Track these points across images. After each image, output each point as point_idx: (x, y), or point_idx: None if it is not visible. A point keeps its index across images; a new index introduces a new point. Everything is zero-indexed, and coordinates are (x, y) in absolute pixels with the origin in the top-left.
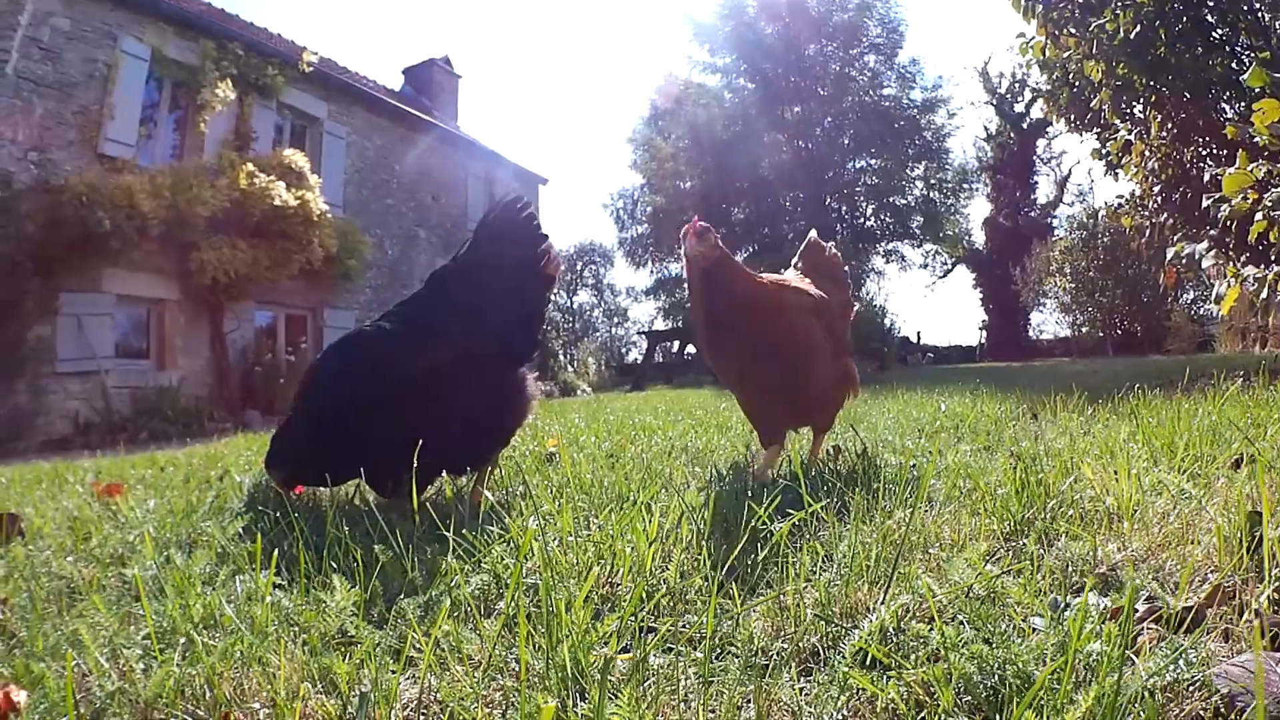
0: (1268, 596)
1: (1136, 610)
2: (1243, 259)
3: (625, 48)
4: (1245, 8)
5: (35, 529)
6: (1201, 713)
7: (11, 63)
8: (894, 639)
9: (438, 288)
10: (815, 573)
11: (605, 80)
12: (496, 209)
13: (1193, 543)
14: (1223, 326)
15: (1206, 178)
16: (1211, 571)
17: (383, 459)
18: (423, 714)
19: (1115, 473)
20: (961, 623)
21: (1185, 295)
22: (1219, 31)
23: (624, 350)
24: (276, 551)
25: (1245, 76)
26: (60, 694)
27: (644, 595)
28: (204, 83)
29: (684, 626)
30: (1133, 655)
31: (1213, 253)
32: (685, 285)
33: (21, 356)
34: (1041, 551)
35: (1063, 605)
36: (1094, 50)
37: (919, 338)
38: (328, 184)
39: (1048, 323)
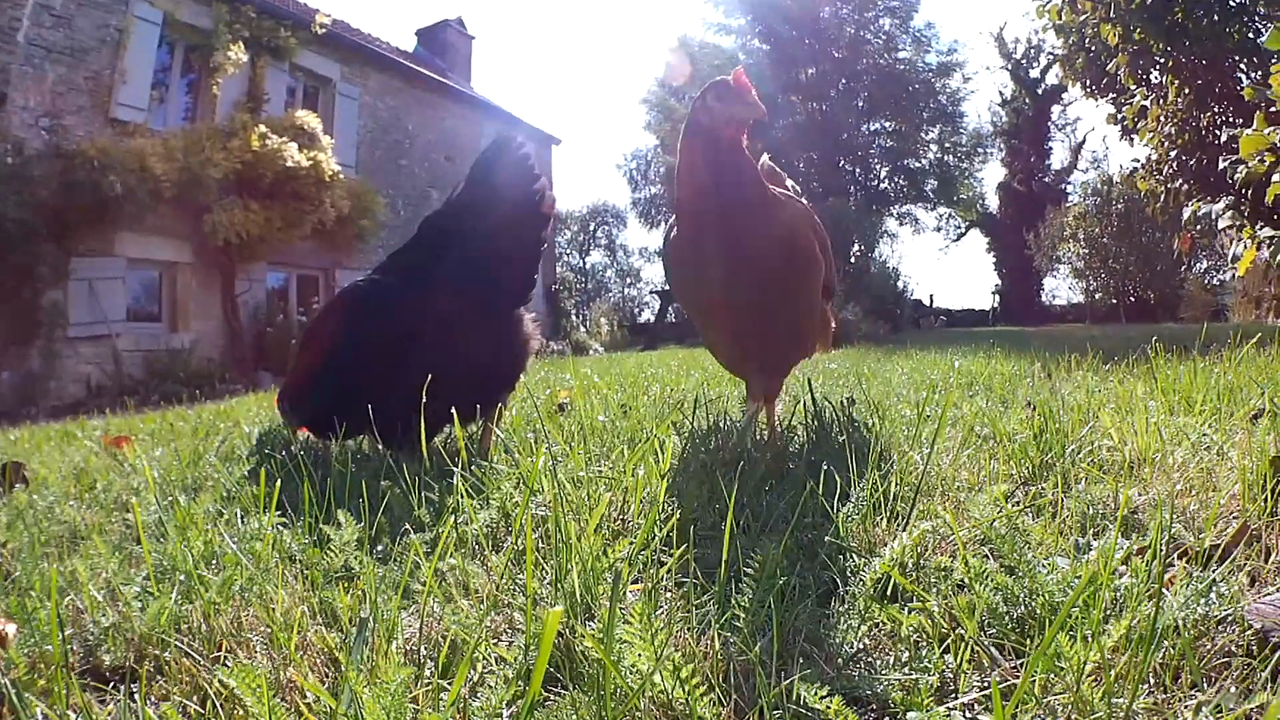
0: None
1: (1161, 549)
2: (1259, 223)
3: (640, 8)
4: None
5: (40, 478)
6: (1234, 648)
7: (23, 30)
8: (915, 572)
9: (434, 233)
10: (832, 511)
11: (620, 41)
12: (490, 149)
13: (1214, 489)
14: (1236, 295)
15: (1224, 137)
16: (1234, 516)
17: (392, 409)
18: (425, 644)
19: (1133, 424)
20: (986, 556)
21: (1199, 264)
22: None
23: (636, 311)
24: (282, 493)
25: (1264, 39)
26: (49, 627)
27: (655, 527)
28: (217, 45)
29: (697, 559)
30: (1164, 589)
31: (1229, 213)
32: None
33: (35, 322)
34: (1061, 495)
35: (1085, 547)
36: (1111, 14)
37: (931, 300)
38: (340, 145)
39: (1061, 288)
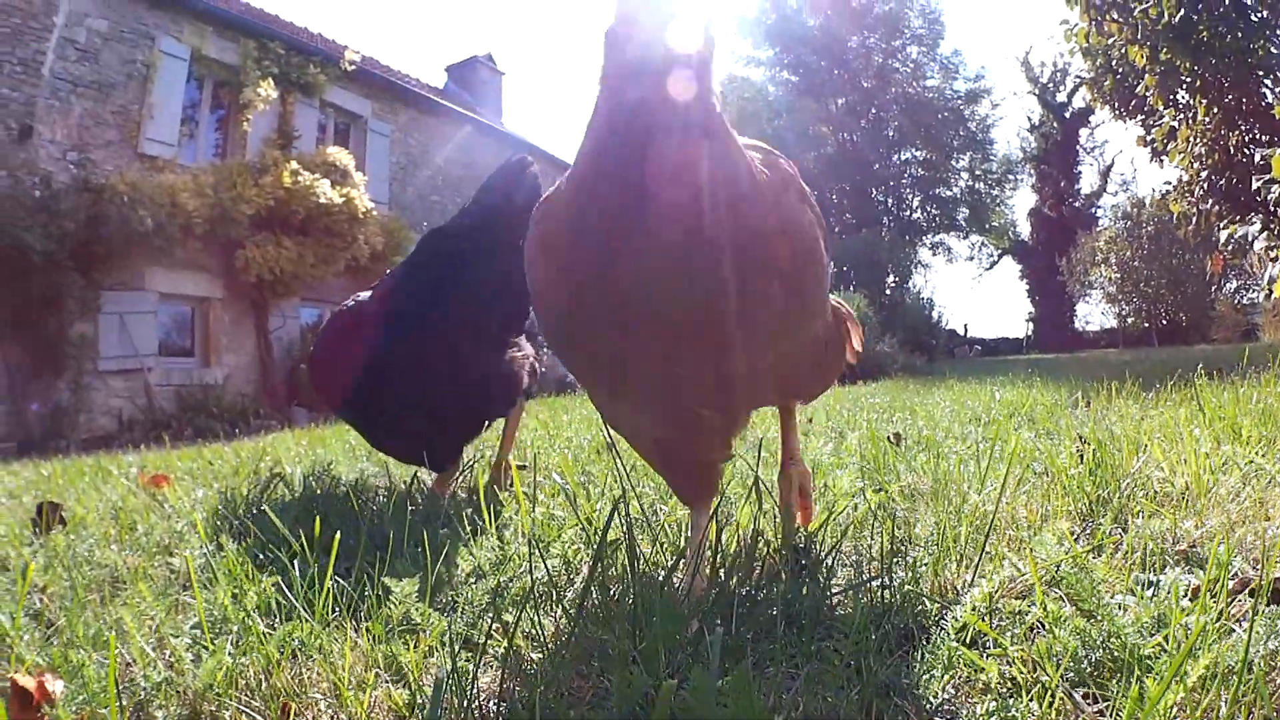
0: None
1: (1227, 584)
2: None
3: None
4: None
5: (77, 519)
6: None
7: (48, 63)
8: (990, 616)
9: (434, 254)
10: (899, 553)
11: None
12: (500, 169)
13: (1268, 518)
14: (1267, 314)
15: (1258, 157)
16: None
17: (421, 436)
18: (503, 702)
19: (1182, 454)
20: (1060, 598)
21: (1229, 284)
22: (1259, 14)
23: None
24: (336, 539)
25: None
26: (100, 683)
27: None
28: (245, 82)
29: (770, 609)
30: (1232, 625)
31: (1264, 234)
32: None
33: (64, 354)
34: (1120, 530)
35: (1150, 582)
36: (1138, 35)
37: (966, 330)
38: (373, 181)
39: (1093, 313)
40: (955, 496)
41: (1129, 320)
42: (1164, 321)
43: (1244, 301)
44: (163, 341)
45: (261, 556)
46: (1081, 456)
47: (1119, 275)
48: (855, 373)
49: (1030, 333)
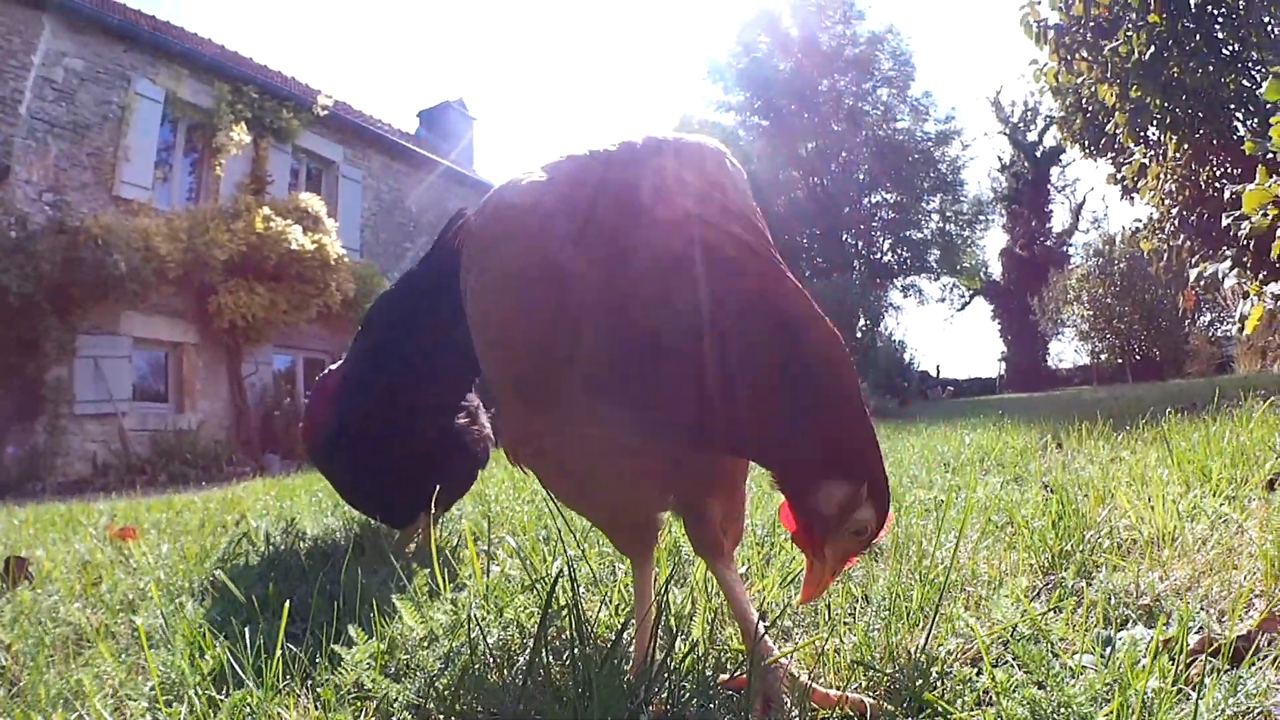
0: None
1: (1188, 643)
2: (1262, 275)
3: (640, 89)
4: (1255, 22)
5: (45, 573)
6: None
7: (25, 102)
8: (941, 681)
9: (386, 316)
10: (852, 615)
11: (621, 122)
12: (447, 224)
13: (1235, 568)
14: (1242, 347)
15: (1227, 194)
16: (1258, 596)
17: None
18: None
19: (1150, 499)
20: (1010, 664)
21: (1202, 317)
22: (1230, 48)
23: None
24: (291, 599)
25: (1262, 90)
26: None
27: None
28: (219, 125)
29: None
30: (1189, 690)
31: (1234, 272)
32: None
33: (39, 397)
34: (1082, 584)
35: (1110, 641)
36: (1108, 73)
37: (938, 371)
38: (344, 227)
39: (1066, 351)
40: (914, 553)
41: (1102, 357)
42: (1137, 357)
43: (1218, 334)
44: (137, 386)
45: (219, 618)
46: (1047, 505)
47: (1091, 312)
48: None
49: (1003, 372)
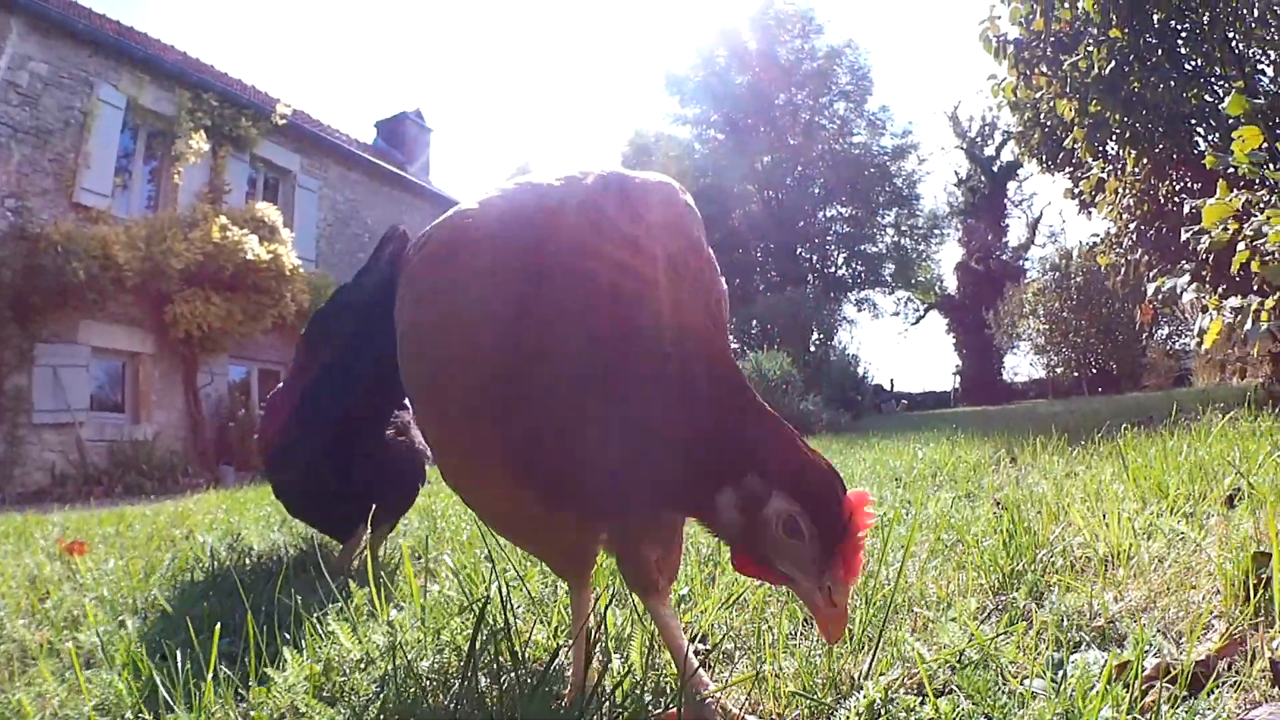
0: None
1: (1144, 668)
2: (1221, 289)
3: (599, 100)
4: (1219, 37)
5: None
6: None
7: None
8: (884, 708)
9: (322, 333)
10: (795, 638)
11: (577, 135)
12: (381, 242)
13: (1193, 587)
14: (1200, 360)
15: (1186, 209)
16: (1216, 618)
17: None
18: None
19: (1104, 516)
20: (955, 692)
21: (1160, 330)
22: (1192, 63)
23: None
24: (230, 619)
25: (1224, 105)
26: None
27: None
28: (179, 133)
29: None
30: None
31: (1193, 286)
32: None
33: (1, 406)
34: (1034, 606)
35: (1062, 665)
36: (1067, 88)
37: (892, 385)
38: (300, 238)
39: (1022, 365)
40: (861, 573)
41: (1058, 370)
42: (1094, 370)
43: (1176, 348)
44: (95, 396)
45: (158, 638)
46: (999, 523)
47: (1047, 326)
48: None
49: (957, 385)
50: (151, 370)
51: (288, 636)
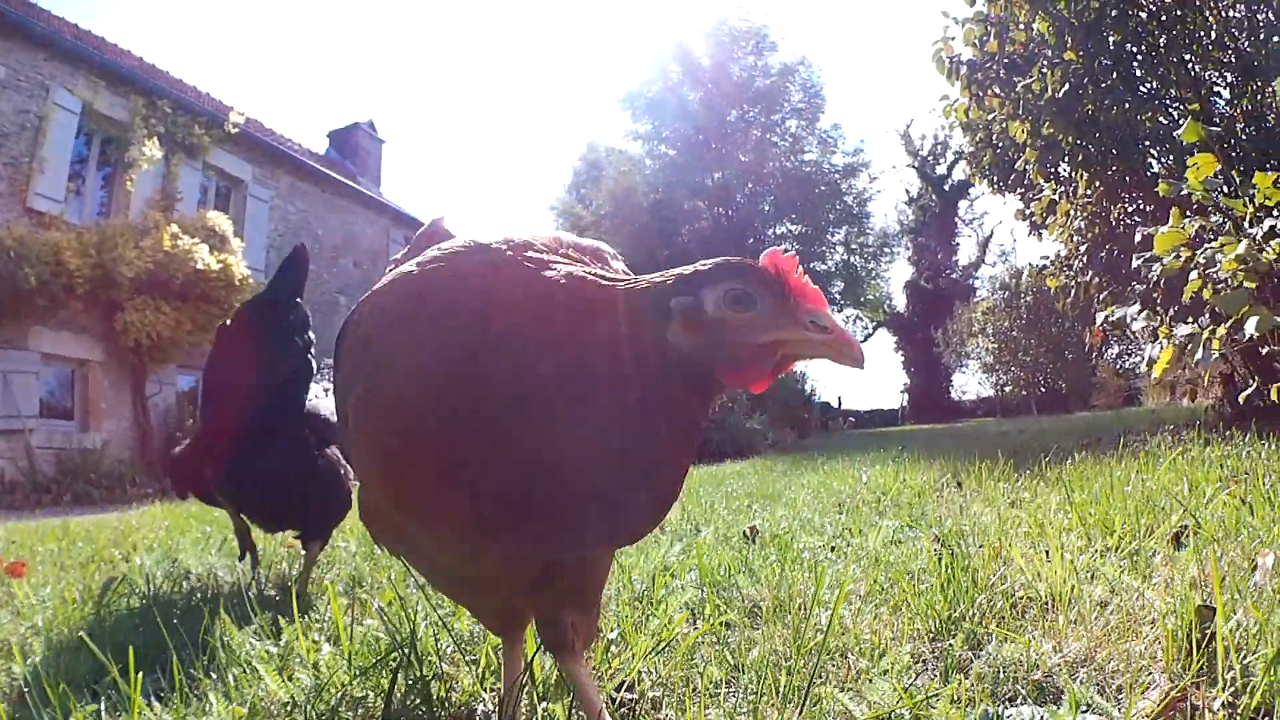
0: (1223, 702)
1: None
2: (1170, 313)
3: (549, 114)
4: (1175, 60)
5: None
6: None
7: None
8: None
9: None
10: (722, 687)
11: (531, 148)
12: (284, 262)
13: (1137, 636)
14: (1149, 380)
15: (1138, 238)
16: (1159, 671)
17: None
18: None
19: (1047, 553)
20: None
21: (1110, 350)
22: (1148, 85)
23: None
24: (161, 656)
25: (1180, 132)
26: None
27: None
28: (133, 140)
29: None
30: None
31: (1143, 314)
32: None
33: None
34: (970, 656)
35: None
36: (1019, 110)
37: (840, 403)
38: (250, 247)
39: (970, 383)
40: (795, 615)
41: (1007, 389)
42: (1043, 389)
43: (1126, 367)
44: (44, 402)
45: (90, 673)
46: (939, 561)
47: (997, 345)
48: (724, 451)
49: (905, 404)
50: (101, 378)
51: (215, 677)
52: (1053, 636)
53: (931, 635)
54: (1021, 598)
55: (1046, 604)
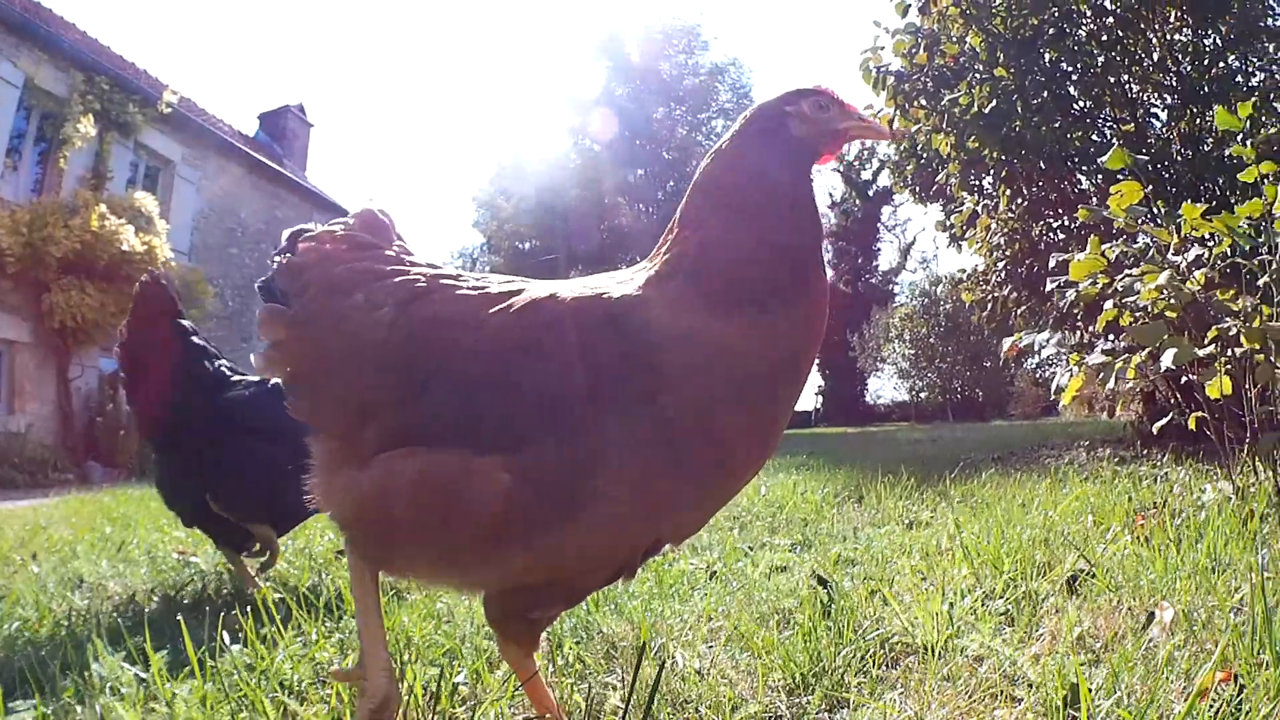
0: None
1: None
2: (1087, 334)
3: (475, 105)
4: (1111, 80)
5: None
6: None
7: None
8: None
9: None
10: None
11: (458, 139)
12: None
13: (1008, 701)
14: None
15: (1052, 263)
16: None
17: None
18: None
19: (931, 588)
20: None
21: (1030, 360)
22: (1081, 104)
23: None
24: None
25: (1105, 159)
26: None
27: None
28: (68, 116)
29: None
30: None
31: (1054, 341)
32: None
33: None
34: (826, 718)
35: None
36: (945, 124)
37: None
38: (176, 230)
39: (886, 388)
40: (654, 659)
41: (922, 395)
42: (959, 397)
43: (1045, 377)
44: None
45: None
46: (814, 598)
47: (913, 351)
48: None
49: (819, 406)
50: (28, 360)
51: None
52: (919, 698)
53: (791, 688)
54: (897, 644)
55: (922, 651)
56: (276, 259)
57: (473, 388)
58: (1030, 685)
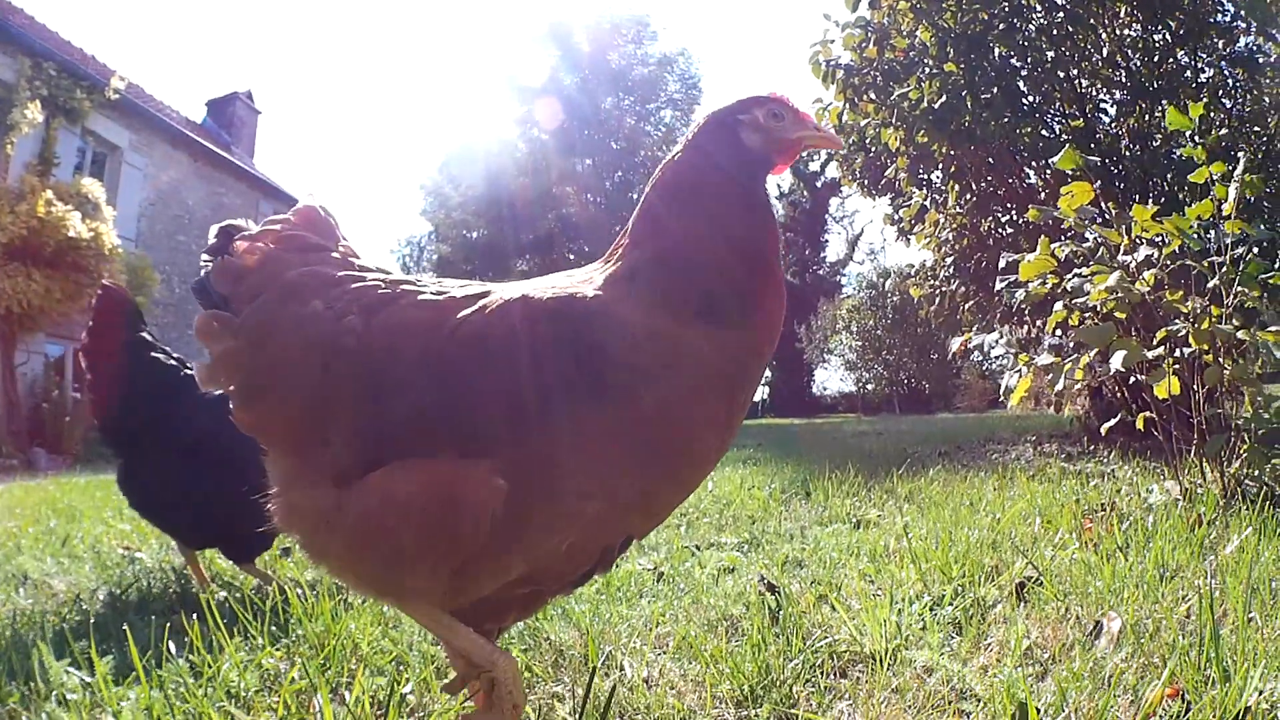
0: None
1: None
2: (1036, 330)
3: (422, 95)
4: (1061, 75)
5: None
6: None
7: None
8: None
9: None
10: None
11: (406, 126)
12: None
13: (957, 715)
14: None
15: (1003, 263)
16: None
17: None
18: None
19: (879, 594)
20: None
21: (975, 354)
22: (1030, 99)
23: None
24: None
25: (1056, 160)
26: None
27: None
28: (16, 102)
29: None
30: None
31: (1003, 342)
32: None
33: None
34: None
35: None
36: (894, 118)
37: None
38: (122, 216)
39: (832, 380)
40: (600, 672)
41: (869, 387)
42: (906, 388)
43: (991, 369)
44: None
45: None
46: (762, 604)
47: (860, 343)
48: None
49: (766, 397)
50: None
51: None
52: (868, 711)
53: (739, 700)
54: (846, 653)
55: (871, 661)
56: (208, 259)
57: (447, 393)
58: (978, 700)
